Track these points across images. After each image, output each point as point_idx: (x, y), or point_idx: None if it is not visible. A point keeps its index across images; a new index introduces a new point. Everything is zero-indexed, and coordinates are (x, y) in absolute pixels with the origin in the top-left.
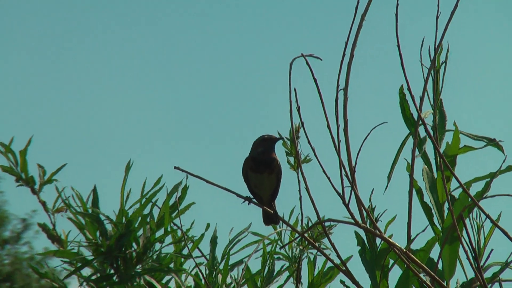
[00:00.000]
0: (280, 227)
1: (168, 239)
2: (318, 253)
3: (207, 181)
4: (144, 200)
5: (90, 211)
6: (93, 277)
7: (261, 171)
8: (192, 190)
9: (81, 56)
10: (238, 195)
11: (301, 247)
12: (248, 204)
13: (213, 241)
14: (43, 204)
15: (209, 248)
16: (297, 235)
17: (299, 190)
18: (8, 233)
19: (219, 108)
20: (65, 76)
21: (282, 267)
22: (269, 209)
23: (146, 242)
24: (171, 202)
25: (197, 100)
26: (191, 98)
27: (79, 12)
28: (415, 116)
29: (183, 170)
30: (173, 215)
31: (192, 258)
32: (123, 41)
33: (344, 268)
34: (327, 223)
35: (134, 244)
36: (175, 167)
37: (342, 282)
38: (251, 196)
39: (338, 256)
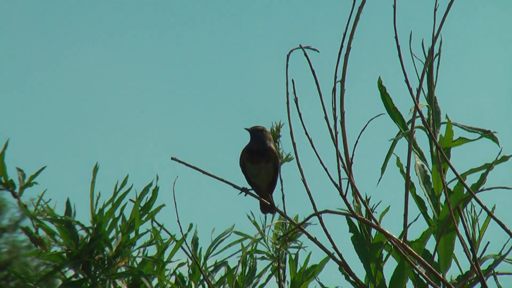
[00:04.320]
0: (272, 217)
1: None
2: (300, 250)
3: (204, 172)
4: (115, 201)
5: (60, 217)
6: (67, 282)
7: (258, 161)
8: (189, 180)
9: (58, 54)
10: (235, 186)
11: (277, 246)
12: (245, 195)
13: (195, 242)
14: (24, 207)
15: (190, 249)
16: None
17: (282, 189)
18: (6, 221)
19: (216, 98)
20: (39, 76)
21: (267, 267)
22: (265, 201)
23: (119, 246)
24: (143, 203)
25: (193, 90)
26: (187, 88)
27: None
28: (405, 108)
29: (179, 161)
30: (150, 215)
31: (162, 262)
32: (111, 30)
33: (339, 259)
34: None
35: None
36: (172, 158)
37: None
38: (248, 187)
39: (334, 247)
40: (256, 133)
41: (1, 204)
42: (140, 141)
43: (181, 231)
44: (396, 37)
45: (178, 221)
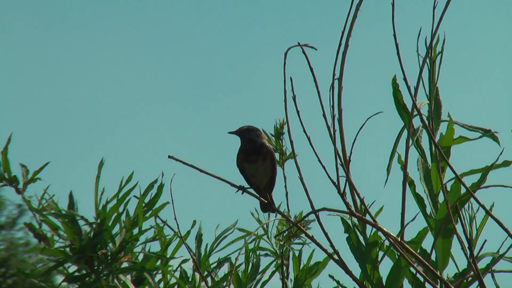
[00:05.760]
0: (273, 217)
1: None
2: (304, 247)
3: (201, 170)
4: (119, 197)
5: (64, 212)
6: (72, 276)
7: (254, 160)
8: (186, 179)
9: (59, 47)
10: (232, 184)
11: (281, 243)
12: (242, 193)
13: (199, 238)
14: (28, 203)
15: (195, 245)
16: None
17: (285, 186)
18: (4, 218)
19: (214, 97)
20: (43, 70)
21: (270, 263)
22: (263, 199)
23: (122, 241)
24: (147, 199)
25: (191, 89)
26: (185, 87)
27: None
28: (410, 106)
29: (176, 159)
30: (154, 212)
31: (165, 258)
32: (111, 24)
33: (337, 257)
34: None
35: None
36: (169, 156)
37: (331, 276)
38: (246, 186)
39: (332, 246)
40: (243, 134)
41: None
42: (140, 140)
43: (178, 228)
44: (394, 35)
45: (175, 219)
